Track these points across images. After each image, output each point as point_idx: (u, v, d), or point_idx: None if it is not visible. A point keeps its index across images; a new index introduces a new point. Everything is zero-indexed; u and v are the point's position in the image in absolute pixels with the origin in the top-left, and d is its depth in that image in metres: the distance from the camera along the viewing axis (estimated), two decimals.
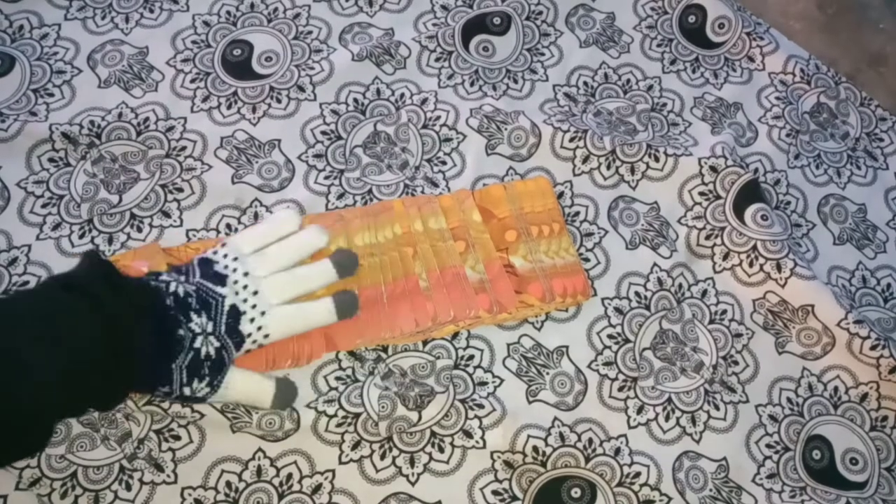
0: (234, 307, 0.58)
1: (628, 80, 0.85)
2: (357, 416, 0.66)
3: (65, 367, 0.47)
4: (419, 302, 0.69)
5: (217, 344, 0.57)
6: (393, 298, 0.69)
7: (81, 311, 0.49)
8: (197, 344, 0.55)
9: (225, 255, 0.62)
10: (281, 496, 0.64)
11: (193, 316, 0.56)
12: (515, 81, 0.83)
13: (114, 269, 0.54)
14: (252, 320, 0.59)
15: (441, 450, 0.67)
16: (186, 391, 0.56)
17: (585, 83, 0.84)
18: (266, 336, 0.60)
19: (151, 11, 0.82)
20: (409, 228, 0.71)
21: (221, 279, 0.60)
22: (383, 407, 0.66)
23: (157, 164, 0.74)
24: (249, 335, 0.59)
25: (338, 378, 0.67)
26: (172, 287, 0.56)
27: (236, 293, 0.59)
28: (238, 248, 0.62)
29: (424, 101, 0.80)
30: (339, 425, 0.66)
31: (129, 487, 0.63)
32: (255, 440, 0.65)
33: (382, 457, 0.66)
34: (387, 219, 0.72)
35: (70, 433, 0.63)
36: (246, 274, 0.61)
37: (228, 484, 0.64)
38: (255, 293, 0.60)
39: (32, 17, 0.80)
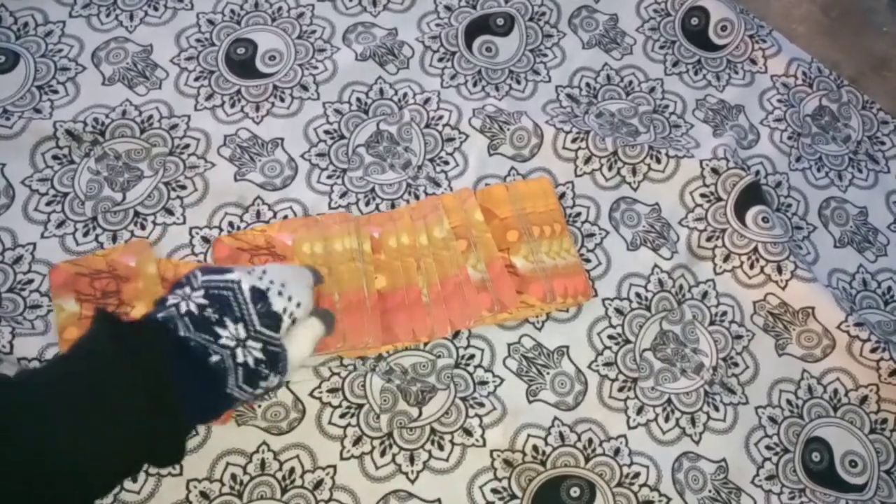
0: (254, 288, 0.53)
1: (630, 82, 0.85)
2: (360, 407, 0.66)
3: (107, 453, 0.43)
4: (419, 314, 0.69)
5: (259, 345, 0.51)
6: (393, 308, 0.69)
7: (110, 387, 0.44)
8: (239, 359, 0.50)
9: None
10: (284, 490, 0.64)
11: (219, 330, 0.50)
12: (518, 82, 0.84)
13: (121, 327, 0.48)
14: (280, 293, 0.54)
15: (441, 447, 0.67)
16: (259, 391, 0.52)
17: (588, 84, 0.84)
18: (298, 305, 0.55)
19: (156, 9, 0.82)
20: (415, 241, 0.72)
21: (227, 269, 0.54)
22: (385, 400, 0.66)
23: (160, 162, 0.75)
24: (284, 310, 0.54)
25: (340, 367, 0.67)
26: (183, 308, 0.50)
27: (249, 273, 0.54)
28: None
29: (427, 100, 0.81)
30: (342, 416, 0.66)
31: (135, 479, 0.63)
32: (260, 433, 0.65)
33: (383, 454, 0.66)
34: (392, 228, 0.72)
35: None
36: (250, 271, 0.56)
37: (233, 476, 0.64)
38: (265, 272, 0.55)
39: (37, 15, 0.81)
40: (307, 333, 0.56)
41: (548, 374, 0.71)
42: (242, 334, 0.51)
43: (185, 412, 0.47)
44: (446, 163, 0.78)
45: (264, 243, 0.70)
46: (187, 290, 0.52)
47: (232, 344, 0.50)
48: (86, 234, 0.71)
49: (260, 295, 0.53)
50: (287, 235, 0.70)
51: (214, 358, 0.49)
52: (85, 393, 0.43)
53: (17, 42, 0.79)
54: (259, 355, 0.51)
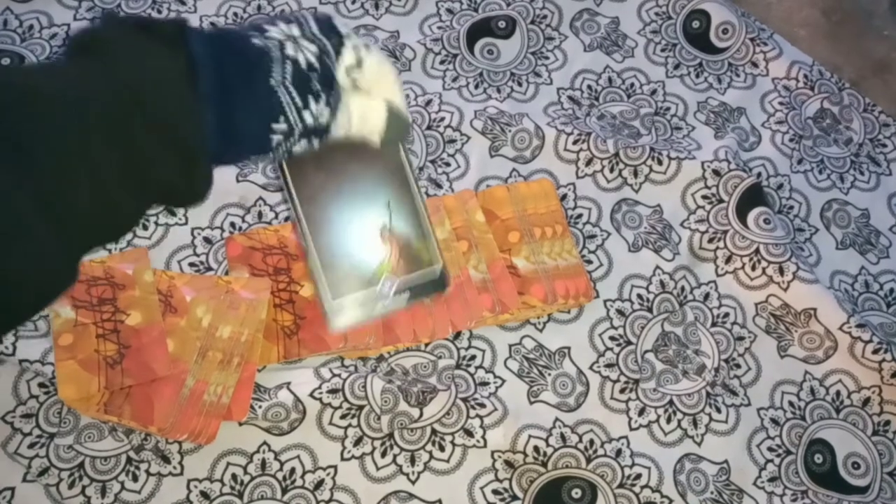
0: (317, 10, 0.44)
1: (632, 84, 0.85)
2: (360, 408, 0.66)
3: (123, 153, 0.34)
4: (420, 315, 0.69)
5: (314, 48, 0.41)
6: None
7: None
8: (289, 51, 0.40)
9: None
10: (284, 490, 0.64)
11: (269, 27, 0.40)
12: (520, 84, 0.84)
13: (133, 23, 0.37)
14: (345, 24, 0.44)
15: (442, 448, 0.67)
16: (308, 117, 0.40)
17: (589, 87, 0.85)
18: (368, 48, 0.44)
19: (159, 13, 0.83)
20: None
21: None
22: (386, 401, 0.66)
23: None
24: (348, 36, 0.43)
25: (341, 368, 0.67)
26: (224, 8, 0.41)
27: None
28: None
29: (429, 102, 0.81)
30: (343, 417, 0.66)
31: (135, 478, 0.63)
32: (261, 433, 0.65)
33: (383, 454, 0.66)
34: None
35: (78, 424, 0.64)
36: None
37: (234, 476, 0.64)
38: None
39: (42, 17, 0.81)
40: (366, 108, 0.44)
41: (549, 375, 0.70)
42: (296, 32, 0.40)
43: (213, 102, 0.36)
44: (448, 164, 0.78)
45: (277, 242, 0.70)
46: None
47: (280, 37, 0.40)
48: None
49: (324, 17, 0.42)
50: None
51: (256, 41, 0.39)
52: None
53: (22, 44, 0.79)
54: (312, 59, 0.40)
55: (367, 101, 0.44)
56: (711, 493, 0.68)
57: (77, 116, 0.33)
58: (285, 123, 0.39)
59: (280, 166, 0.44)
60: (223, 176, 0.75)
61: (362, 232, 0.46)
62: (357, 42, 0.43)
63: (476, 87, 0.83)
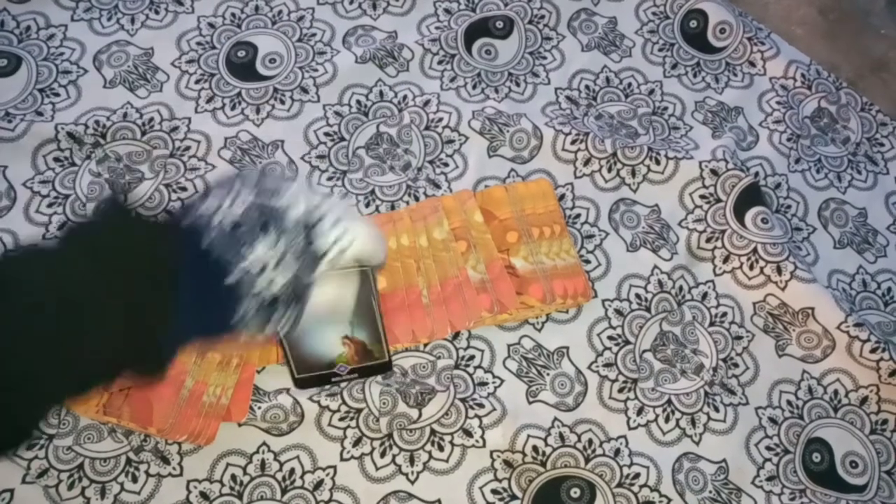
0: (308, 212, 0.48)
1: (630, 84, 0.85)
2: (359, 411, 0.66)
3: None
4: (419, 315, 0.69)
5: (283, 280, 0.45)
6: (393, 309, 0.69)
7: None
8: (257, 288, 0.44)
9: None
10: (284, 491, 0.64)
11: (246, 251, 0.44)
12: (517, 84, 0.84)
13: (130, 222, 0.43)
14: (335, 223, 0.48)
15: (441, 448, 0.67)
16: (269, 329, 0.46)
17: (587, 87, 0.85)
18: (352, 240, 0.49)
19: (157, 13, 0.83)
20: (415, 243, 0.72)
21: (288, 180, 0.48)
22: (384, 403, 0.66)
23: (161, 164, 0.75)
24: (335, 241, 0.48)
25: None
26: (215, 220, 0.45)
27: (309, 194, 0.48)
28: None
29: (427, 103, 0.81)
30: (341, 419, 0.66)
31: (135, 479, 0.63)
32: (260, 434, 0.65)
33: (382, 454, 0.66)
34: (392, 230, 0.72)
35: (77, 425, 0.64)
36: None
37: (233, 477, 0.64)
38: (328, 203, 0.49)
39: (39, 18, 0.81)
40: (347, 284, 0.50)
41: (548, 374, 0.71)
42: (272, 261, 0.45)
43: (176, 323, 0.41)
44: (446, 164, 0.78)
45: None
46: (230, 198, 0.45)
47: (255, 270, 0.44)
48: None
49: (306, 223, 0.47)
50: None
51: (230, 279, 0.43)
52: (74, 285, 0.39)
53: (19, 45, 0.79)
54: (279, 290, 0.45)
55: (341, 288, 0.53)
56: (710, 492, 0.68)
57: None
58: (237, 274, 0.44)
59: None
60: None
61: (327, 338, 0.63)
62: (327, 227, 0.48)
63: (474, 87, 0.83)
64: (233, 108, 0.78)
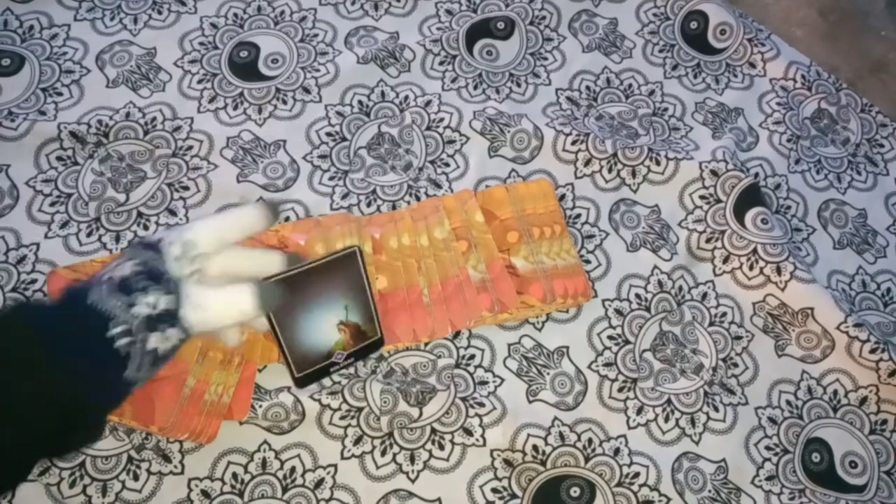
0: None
1: (630, 85, 0.86)
2: (360, 409, 0.66)
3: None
4: (419, 315, 0.70)
5: (129, 263, 0.46)
6: (394, 308, 0.69)
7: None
8: (107, 275, 0.45)
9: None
10: (285, 489, 0.64)
11: (136, 300, 0.44)
12: (518, 85, 0.84)
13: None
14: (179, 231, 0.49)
15: (441, 447, 0.67)
16: (142, 308, 0.44)
17: (588, 87, 0.85)
18: (192, 230, 0.49)
19: (160, 13, 0.83)
20: (416, 242, 0.72)
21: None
22: (385, 402, 0.66)
23: (163, 163, 0.75)
24: (163, 239, 0.48)
25: (341, 374, 0.68)
26: (103, 278, 0.45)
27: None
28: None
29: (428, 103, 0.81)
30: (342, 418, 0.66)
31: (136, 478, 0.63)
32: (261, 432, 0.66)
33: (383, 453, 0.66)
34: (393, 229, 0.73)
35: None
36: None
37: (234, 475, 0.64)
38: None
39: (42, 18, 0.81)
40: (228, 293, 0.49)
41: (548, 374, 0.71)
42: (115, 264, 0.46)
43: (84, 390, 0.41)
44: (447, 165, 0.79)
45: (277, 242, 0.71)
46: (117, 262, 0.46)
47: (105, 277, 0.45)
48: (89, 235, 0.71)
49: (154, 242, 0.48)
50: (300, 235, 0.71)
51: (116, 331, 0.43)
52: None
53: (22, 45, 0.80)
54: (134, 268, 0.45)
55: (225, 288, 0.49)
56: (709, 491, 0.69)
57: None
58: (121, 324, 0.42)
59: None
60: (224, 177, 0.75)
61: (323, 327, 0.61)
62: (172, 235, 0.48)
63: (475, 87, 0.83)
64: (235, 108, 0.79)
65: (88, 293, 0.43)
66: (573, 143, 0.79)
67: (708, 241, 0.78)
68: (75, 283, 0.45)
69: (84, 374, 0.41)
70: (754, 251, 0.76)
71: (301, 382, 0.62)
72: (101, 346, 0.42)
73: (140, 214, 0.73)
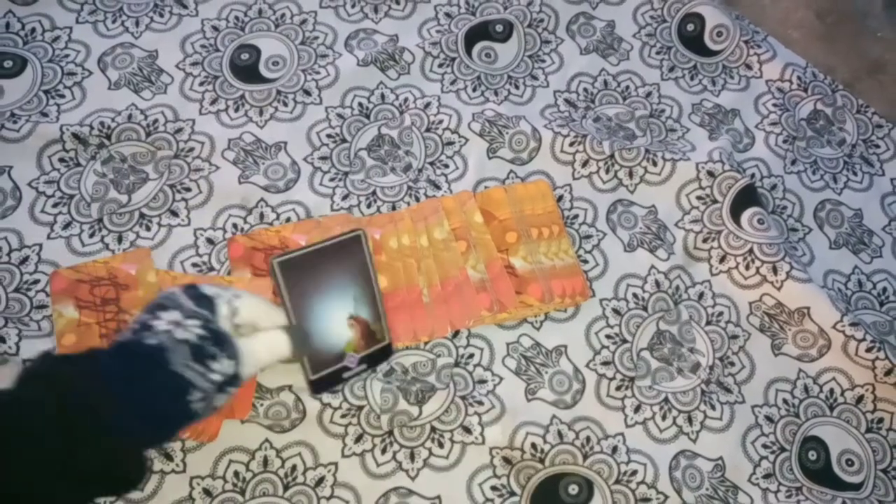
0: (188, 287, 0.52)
1: (627, 87, 0.86)
2: (360, 408, 0.67)
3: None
4: (419, 314, 0.70)
5: (197, 322, 0.49)
6: (394, 308, 0.70)
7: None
8: (179, 335, 0.47)
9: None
10: (286, 487, 0.65)
11: (154, 322, 0.48)
12: (517, 87, 0.85)
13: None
14: (210, 288, 0.53)
15: (441, 445, 0.68)
16: (216, 376, 0.48)
17: (585, 89, 0.86)
18: (237, 296, 0.53)
19: (161, 16, 0.84)
20: (415, 242, 0.73)
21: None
22: (385, 400, 0.67)
23: (165, 165, 0.76)
24: (217, 296, 0.52)
25: None
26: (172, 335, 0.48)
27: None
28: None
29: (428, 105, 0.82)
30: (343, 416, 0.67)
31: None
32: (263, 430, 0.66)
33: (383, 451, 0.67)
34: (393, 230, 0.73)
35: None
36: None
37: (236, 474, 0.65)
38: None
39: (44, 20, 0.82)
40: (266, 341, 0.53)
41: (546, 372, 0.71)
42: (177, 316, 0.48)
43: (124, 425, 0.43)
44: (446, 166, 0.79)
45: (279, 243, 0.71)
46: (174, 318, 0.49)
47: (167, 327, 0.47)
48: (91, 236, 0.72)
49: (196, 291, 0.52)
50: (301, 236, 0.71)
51: (150, 341, 0.46)
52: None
53: (24, 47, 0.80)
54: (200, 331, 0.48)
55: (261, 336, 0.53)
56: (707, 489, 0.69)
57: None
58: (199, 392, 0.47)
59: (273, 270, 0.55)
60: (225, 178, 0.76)
61: (334, 320, 0.59)
62: (225, 296, 0.52)
63: (474, 89, 0.84)
64: (236, 110, 0.79)
65: (166, 358, 0.46)
66: (571, 144, 0.80)
67: (705, 241, 0.78)
68: (135, 333, 0.48)
69: (150, 437, 0.46)
70: (751, 251, 0.76)
71: (316, 387, 0.59)
72: (178, 409, 0.47)
73: (142, 215, 0.73)
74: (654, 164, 0.80)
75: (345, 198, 0.76)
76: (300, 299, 0.57)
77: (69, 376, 0.43)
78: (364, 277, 0.61)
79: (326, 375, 0.60)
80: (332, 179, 0.77)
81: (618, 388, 0.72)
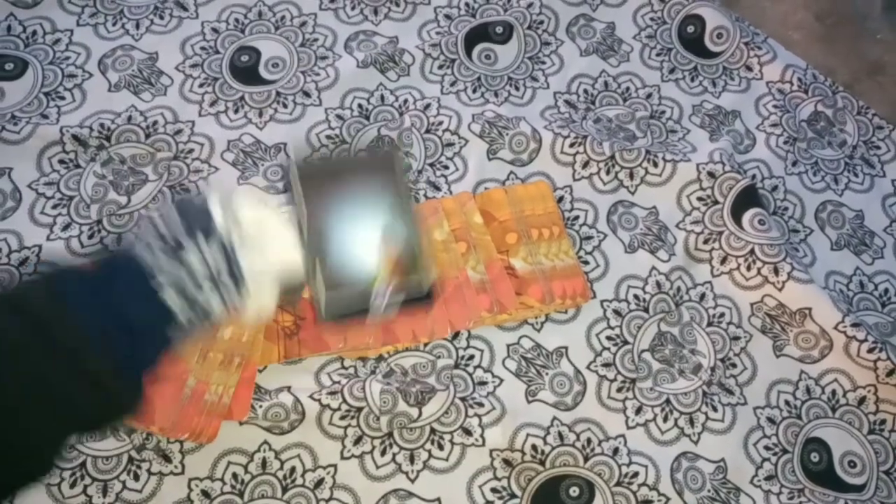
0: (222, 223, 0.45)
1: (628, 88, 0.86)
2: (360, 409, 0.66)
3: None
4: (419, 315, 0.70)
5: (216, 299, 0.44)
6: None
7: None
8: (191, 259, 0.42)
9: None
10: (285, 489, 0.65)
11: (182, 256, 0.43)
12: (517, 88, 0.85)
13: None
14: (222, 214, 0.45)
15: (441, 447, 0.67)
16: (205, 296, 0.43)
17: (585, 91, 0.86)
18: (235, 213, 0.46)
19: (161, 18, 0.84)
20: None
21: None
22: (385, 402, 0.67)
23: (164, 166, 0.76)
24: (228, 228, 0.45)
25: (340, 374, 0.68)
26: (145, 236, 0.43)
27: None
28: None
29: (427, 106, 0.82)
30: (342, 418, 0.67)
31: (136, 478, 0.63)
32: (261, 432, 0.66)
33: (383, 453, 0.67)
34: None
35: None
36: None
37: (235, 475, 0.65)
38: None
39: (45, 23, 0.82)
40: (280, 243, 0.46)
41: (547, 374, 0.71)
42: (206, 281, 0.43)
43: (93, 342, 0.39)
44: (446, 167, 0.79)
45: None
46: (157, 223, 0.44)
47: (189, 282, 0.43)
48: (91, 237, 0.72)
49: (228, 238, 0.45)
50: None
51: (162, 280, 0.41)
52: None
53: (25, 50, 0.80)
54: (216, 309, 0.43)
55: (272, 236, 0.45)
56: (708, 491, 0.69)
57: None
58: (164, 274, 0.42)
59: (292, 176, 0.46)
60: (225, 179, 0.76)
61: (363, 236, 0.47)
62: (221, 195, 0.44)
63: (474, 91, 0.84)
64: (236, 112, 0.79)
65: (133, 248, 0.42)
66: (571, 145, 0.80)
67: (706, 242, 0.78)
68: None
69: (117, 338, 0.40)
70: (752, 252, 0.76)
71: (328, 306, 0.48)
72: (144, 302, 0.42)
73: (142, 217, 0.73)
74: (655, 165, 0.80)
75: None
76: (319, 206, 0.46)
77: (34, 298, 0.39)
78: (400, 204, 0.48)
79: (345, 296, 0.48)
80: None
81: (619, 390, 0.71)
